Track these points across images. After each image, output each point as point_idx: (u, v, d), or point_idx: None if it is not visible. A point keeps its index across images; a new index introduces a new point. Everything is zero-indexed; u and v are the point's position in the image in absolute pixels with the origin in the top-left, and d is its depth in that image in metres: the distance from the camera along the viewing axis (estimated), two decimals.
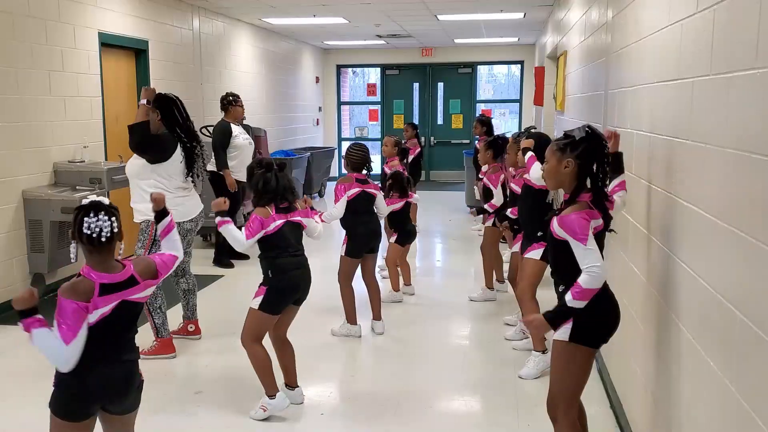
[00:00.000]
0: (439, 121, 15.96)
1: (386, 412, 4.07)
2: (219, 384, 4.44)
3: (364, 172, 5.23)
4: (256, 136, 9.26)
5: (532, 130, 6.54)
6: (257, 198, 3.87)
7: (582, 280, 2.72)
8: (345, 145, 16.69)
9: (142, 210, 4.71)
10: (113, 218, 2.51)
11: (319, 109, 15.78)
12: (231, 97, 7.38)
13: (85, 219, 2.46)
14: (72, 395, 2.56)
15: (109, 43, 7.34)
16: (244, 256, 7.80)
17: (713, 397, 2.27)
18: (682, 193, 2.70)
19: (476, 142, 9.23)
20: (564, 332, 2.82)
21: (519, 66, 15.69)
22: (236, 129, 7.38)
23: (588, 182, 2.86)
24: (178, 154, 4.76)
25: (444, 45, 15.04)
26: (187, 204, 4.87)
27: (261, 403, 3.91)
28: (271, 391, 3.89)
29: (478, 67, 15.92)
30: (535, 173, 4.59)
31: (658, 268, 3.06)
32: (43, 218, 6.03)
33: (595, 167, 2.83)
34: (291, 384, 4.13)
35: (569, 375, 2.90)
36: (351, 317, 5.32)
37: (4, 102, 5.84)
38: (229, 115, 7.37)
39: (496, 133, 9.30)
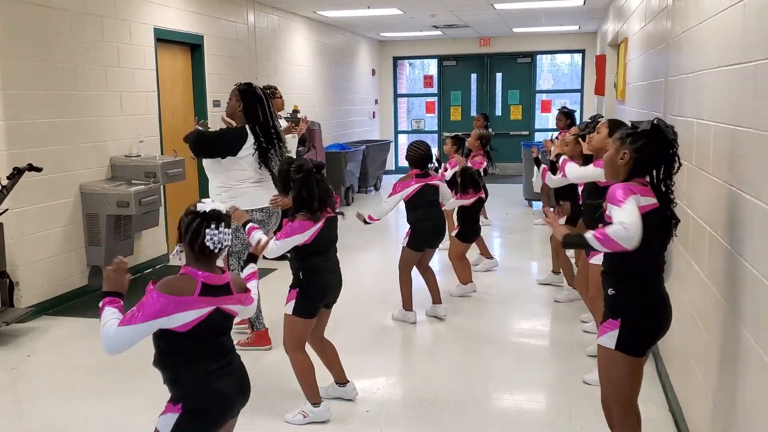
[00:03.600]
0: (498, 113, 15.68)
1: (432, 411, 3.98)
2: (258, 385, 4.42)
3: (431, 166, 5.35)
4: (310, 129, 9.27)
5: (599, 119, 6.33)
6: (301, 205, 3.63)
7: (610, 228, 2.51)
8: (401, 138, 16.65)
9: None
10: (230, 229, 2.46)
11: (376, 101, 15.73)
12: (269, 90, 7.33)
13: (208, 231, 2.39)
14: (200, 414, 2.47)
15: (164, 39, 7.43)
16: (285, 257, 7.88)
17: None
18: (745, 185, 2.51)
19: (556, 134, 9.02)
20: (610, 339, 2.68)
21: (580, 55, 15.28)
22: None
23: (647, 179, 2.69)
24: (249, 148, 4.68)
25: (502, 34, 14.76)
26: (254, 193, 4.75)
27: (302, 409, 3.80)
28: (316, 400, 3.80)
29: (538, 56, 15.59)
30: (572, 172, 4.44)
31: (720, 267, 2.86)
32: (100, 212, 6.15)
33: (654, 165, 2.67)
34: (341, 381, 4.05)
35: (619, 382, 2.76)
36: (407, 303, 5.44)
37: (64, 98, 5.97)
38: None
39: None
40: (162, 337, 2.40)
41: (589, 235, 2.57)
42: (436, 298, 5.57)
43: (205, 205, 2.44)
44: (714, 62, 3.04)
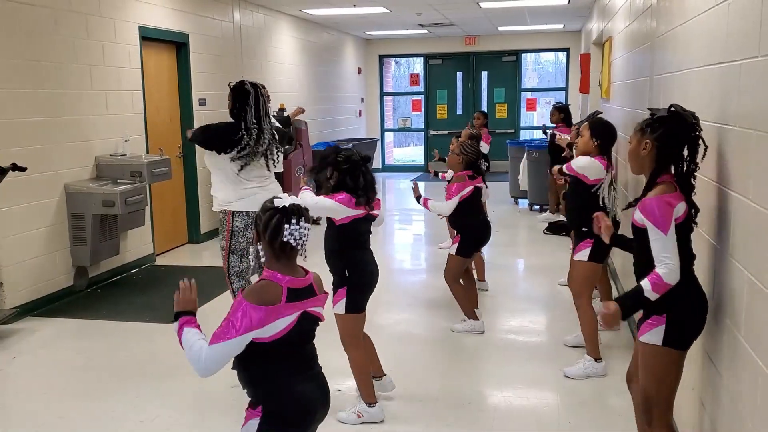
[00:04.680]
0: (483, 111, 15.71)
1: (422, 408, 4.00)
2: None
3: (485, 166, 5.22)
4: (297, 128, 9.26)
5: (599, 114, 6.38)
6: (344, 191, 3.60)
7: (662, 272, 2.54)
8: (388, 136, 16.67)
9: (219, 199, 4.66)
10: (310, 225, 2.38)
11: (362, 100, 15.72)
12: None
13: (287, 226, 2.30)
14: (283, 416, 2.37)
15: (149, 37, 7.39)
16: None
17: (764, 400, 2.13)
18: (730, 182, 2.54)
19: (550, 129, 9.22)
20: (655, 335, 2.64)
21: (565, 53, 15.36)
22: None
23: (672, 169, 2.66)
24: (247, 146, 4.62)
25: (487, 33, 14.81)
26: (262, 194, 4.57)
27: (357, 408, 3.76)
28: (371, 400, 3.77)
29: (523, 55, 15.65)
30: (580, 161, 4.44)
31: (706, 263, 2.90)
32: (85, 211, 6.11)
33: (677, 151, 2.62)
34: (377, 374, 4.04)
35: (664, 378, 2.71)
36: (471, 312, 5.20)
37: (47, 96, 5.92)
38: None
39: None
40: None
41: (647, 289, 2.58)
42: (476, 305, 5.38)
43: (283, 200, 2.36)
44: (699, 61, 3.07)
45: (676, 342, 2.64)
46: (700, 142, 2.59)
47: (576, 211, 4.60)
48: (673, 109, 2.65)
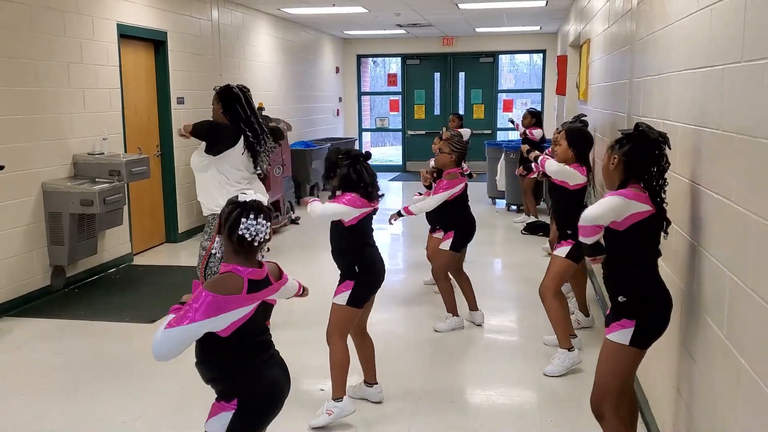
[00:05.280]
0: (461, 111, 15.76)
1: (405, 407, 4.02)
2: None
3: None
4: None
5: (583, 118, 6.44)
6: (349, 188, 3.66)
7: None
8: (365, 135, 16.68)
9: (206, 203, 4.72)
10: (269, 223, 2.42)
11: (340, 99, 15.71)
12: None
13: (243, 220, 2.35)
14: (257, 406, 2.46)
15: (127, 35, 7.33)
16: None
17: (745, 394, 2.18)
18: (710, 183, 2.60)
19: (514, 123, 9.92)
20: (623, 335, 2.80)
21: (540, 55, 15.49)
22: None
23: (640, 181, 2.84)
24: (240, 147, 4.69)
25: (465, 34, 14.89)
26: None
27: (326, 407, 3.75)
28: (339, 394, 3.77)
29: (500, 56, 15.75)
30: (551, 166, 4.53)
31: (682, 260, 2.98)
32: (62, 210, 6.04)
33: (644, 166, 2.81)
34: (370, 381, 4.03)
35: (622, 374, 2.88)
36: (453, 308, 5.30)
37: (24, 94, 5.84)
38: None
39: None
40: (207, 338, 2.33)
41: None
42: (473, 305, 5.42)
43: (246, 196, 2.40)
44: (680, 65, 3.12)
45: (641, 343, 2.82)
46: (664, 158, 2.81)
47: (562, 214, 4.69)
48: (641, 127, 2.85)
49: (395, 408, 4.01)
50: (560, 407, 4.02)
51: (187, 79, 8.46)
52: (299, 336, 4.97)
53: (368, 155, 3.78)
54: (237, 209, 2.38)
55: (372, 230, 3.85)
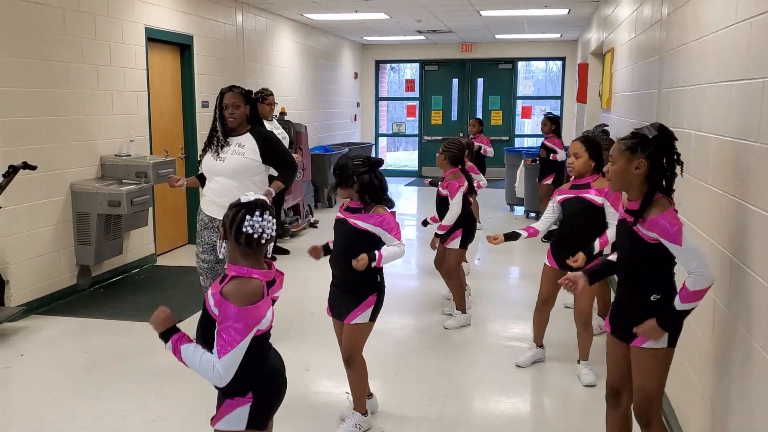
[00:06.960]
0: (479, 117, 15.82)
1: (429, 414, 4.04)
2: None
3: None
4: (297, 132, 9.29)
5: (605, 128, 6.42)
6: (373, 195, 3.58)
7: (688, 282, 2.65)
8: (382, 141, 16.73)
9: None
10: (274, 219, 2.42)
11: (357, 104, 15.78)
12: (260, 94, 7.30)
13: (248, 217, 2.34)
14: (269, 401, 2.52)
15: (155, 38, 7.41)
16: (284, 251, 7.86)
17: None
18: (752, 197, 2.60)
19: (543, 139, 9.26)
20: (661, 340, 2.80)
21: (557, 63, 15.48)
22: (268, 125, 7.40)
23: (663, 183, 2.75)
24: None
25: (484, 40, 14.91)
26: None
27: (356, 421, 3.72)
28: (365, 410, 3.77)
29: (519, 63, 15.76)
30: (611, 232, 4.09)
31: (723, 277, 2.95)
32: (90, 211, 6.12)
33: (669, 169, 2.73)
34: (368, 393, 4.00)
35: (661, 377, 2.88)
36: (463, 306, 5.52)
37: (55, 96, 5.93)
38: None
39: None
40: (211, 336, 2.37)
41: (678, 304, 2.70)
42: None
43: (248, 197, 2.41)
44: (716, 77, 3.13)
45: (674, 341, 2.84)
46: (677, 159, 2.73)
47: (584, 230, 4.29)
48: (660, 127, 2.74)
49: (412, 416, 4.02)
50: (585, 416, 4.02)
51: (212, 83, 8.53)
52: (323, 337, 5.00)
53: (381, 162, 3.69)
54: (241, 210, 2.38)
55: None
